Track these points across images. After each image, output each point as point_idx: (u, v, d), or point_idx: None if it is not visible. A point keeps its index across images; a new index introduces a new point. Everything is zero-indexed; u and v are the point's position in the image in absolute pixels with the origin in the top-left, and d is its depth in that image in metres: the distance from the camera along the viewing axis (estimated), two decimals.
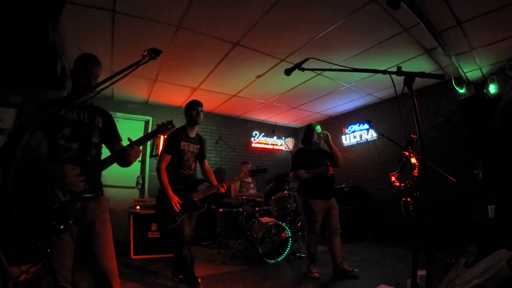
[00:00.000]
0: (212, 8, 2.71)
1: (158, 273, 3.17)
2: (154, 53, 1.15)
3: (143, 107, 5.36)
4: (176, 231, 2.52)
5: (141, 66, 1.12)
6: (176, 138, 2.63)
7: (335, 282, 2.88)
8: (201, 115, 2.73)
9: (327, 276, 3.01)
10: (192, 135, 2.76)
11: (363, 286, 2.71)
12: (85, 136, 1.60)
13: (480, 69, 3.98)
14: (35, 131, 1.48)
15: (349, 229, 4.71)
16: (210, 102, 5.39)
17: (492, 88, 3.78)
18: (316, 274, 3.02)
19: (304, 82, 4.49)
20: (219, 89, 4.79)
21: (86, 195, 1.52)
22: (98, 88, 0.92)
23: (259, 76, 4.25)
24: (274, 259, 3.59)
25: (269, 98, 5.29)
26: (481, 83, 4.08)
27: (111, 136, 1.76)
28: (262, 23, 2.95)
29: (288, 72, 1.50)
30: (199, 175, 2.87)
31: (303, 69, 1.43)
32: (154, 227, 3.93)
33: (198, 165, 2.87)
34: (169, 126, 1.81)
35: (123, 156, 1.56)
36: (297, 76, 4.24)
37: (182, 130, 2.73)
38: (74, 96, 1.60)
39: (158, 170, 2.55)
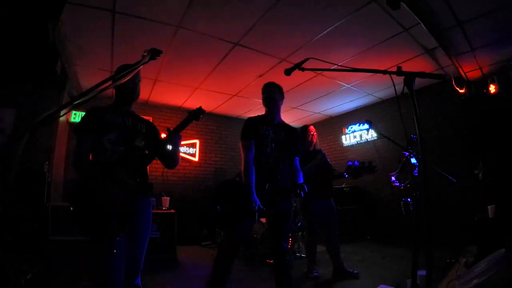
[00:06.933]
0: (212, 8, 2.71)
1: (158, 274, 3.17)
2: (154, 54, 1.15)
3: (143, 107, 5.35)
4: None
5: (141, 66, 1.12)
6: (253, 122, 2.12)
7: (335, 282, 2.88)
8: (273, 92, 2.15)
9: (327, 276, 3.00)
10: (275, 120, 2.15)
11: (363, 286, 2.71)
12: (130, 140, 1.67)
13: (480, 69, 3.97)
14: (88, 135, 1.55)
15: (349, 229, 4.72)
16: (210, 102, 5.39)
17: (492, 88, 3.77)
18: (316, 274, 3.02)
19: (304, 82, 4.49)
20: (219, 89, 4.79)
21: (138, 191, 1.60)
22: (98, 89, 0.91)
23: (261, 76, 4.25)
24: None
25: None
26: (481, 83, 4.08)
27: (154, 141, 1.83)
28: (262, 23, 2.95)
29: (288, 72, 1.50)
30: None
31: (303, 69, 1.43)
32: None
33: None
34: (200, 115, 1.86)
35: (167, 142, 1.70)
36: (297, 76, 4.24)
37: (260, 116, 2.20)
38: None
39: (246, 161, 1.96)
